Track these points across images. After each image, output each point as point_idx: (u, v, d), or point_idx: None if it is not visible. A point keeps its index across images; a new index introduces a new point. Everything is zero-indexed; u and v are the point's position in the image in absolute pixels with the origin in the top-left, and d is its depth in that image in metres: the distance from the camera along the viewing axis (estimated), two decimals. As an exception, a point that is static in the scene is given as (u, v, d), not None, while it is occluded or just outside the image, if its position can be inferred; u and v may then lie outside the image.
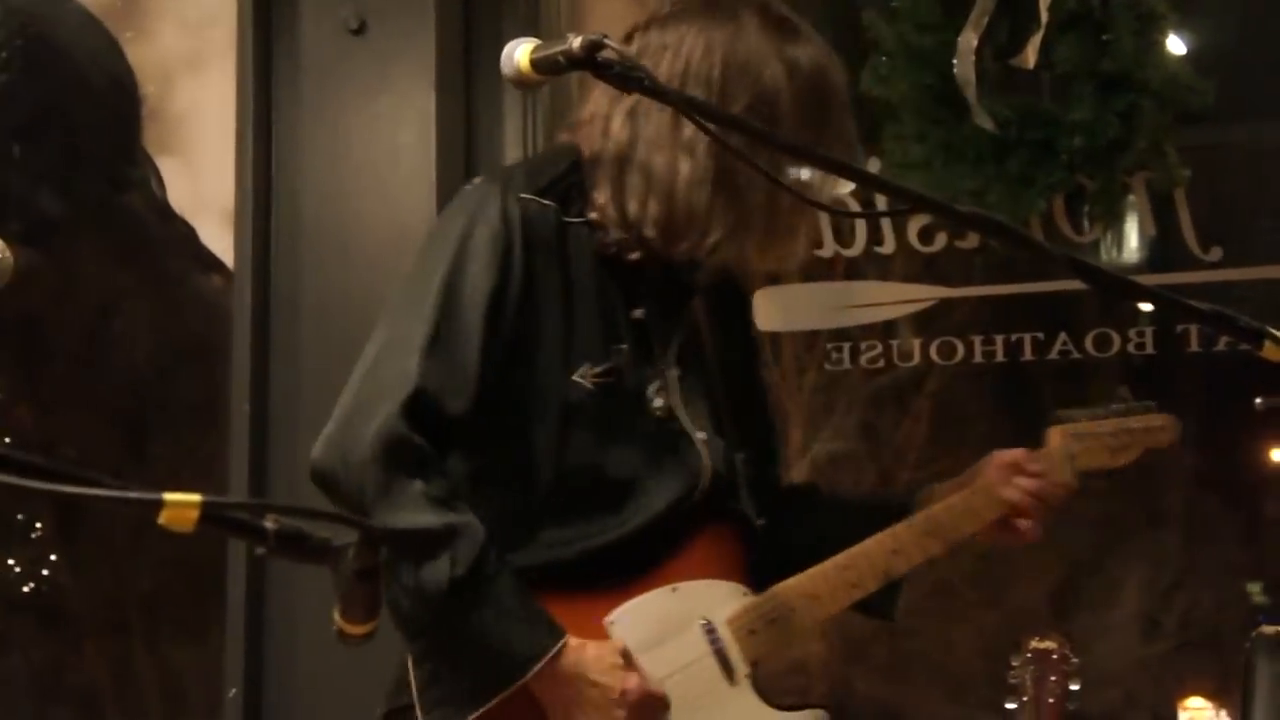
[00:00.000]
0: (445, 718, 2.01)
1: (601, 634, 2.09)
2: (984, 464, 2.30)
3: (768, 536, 2.27)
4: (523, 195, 2.12)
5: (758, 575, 2.22)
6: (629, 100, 2.10)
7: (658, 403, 2.16)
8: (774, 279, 3.66)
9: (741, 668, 2.16)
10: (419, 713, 2.03)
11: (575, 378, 2.11)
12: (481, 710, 1.99)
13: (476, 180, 2.22)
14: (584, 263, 2.14)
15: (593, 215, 2.14)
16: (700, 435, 2.18)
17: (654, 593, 2.14)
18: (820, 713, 2.20)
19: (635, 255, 2.14)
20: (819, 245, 3.79)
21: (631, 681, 2.05)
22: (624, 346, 2.14)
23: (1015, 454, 2.29)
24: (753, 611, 2.17)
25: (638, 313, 2.16)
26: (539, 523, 2.10)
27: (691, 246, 2.13)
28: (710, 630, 2.15)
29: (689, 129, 2.05)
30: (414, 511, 1.99)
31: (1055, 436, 2.33)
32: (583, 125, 2.21)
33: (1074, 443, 2.32)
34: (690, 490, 2.15)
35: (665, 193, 2.11)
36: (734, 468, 2.24)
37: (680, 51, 2.13)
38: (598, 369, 2.12)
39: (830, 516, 2.35)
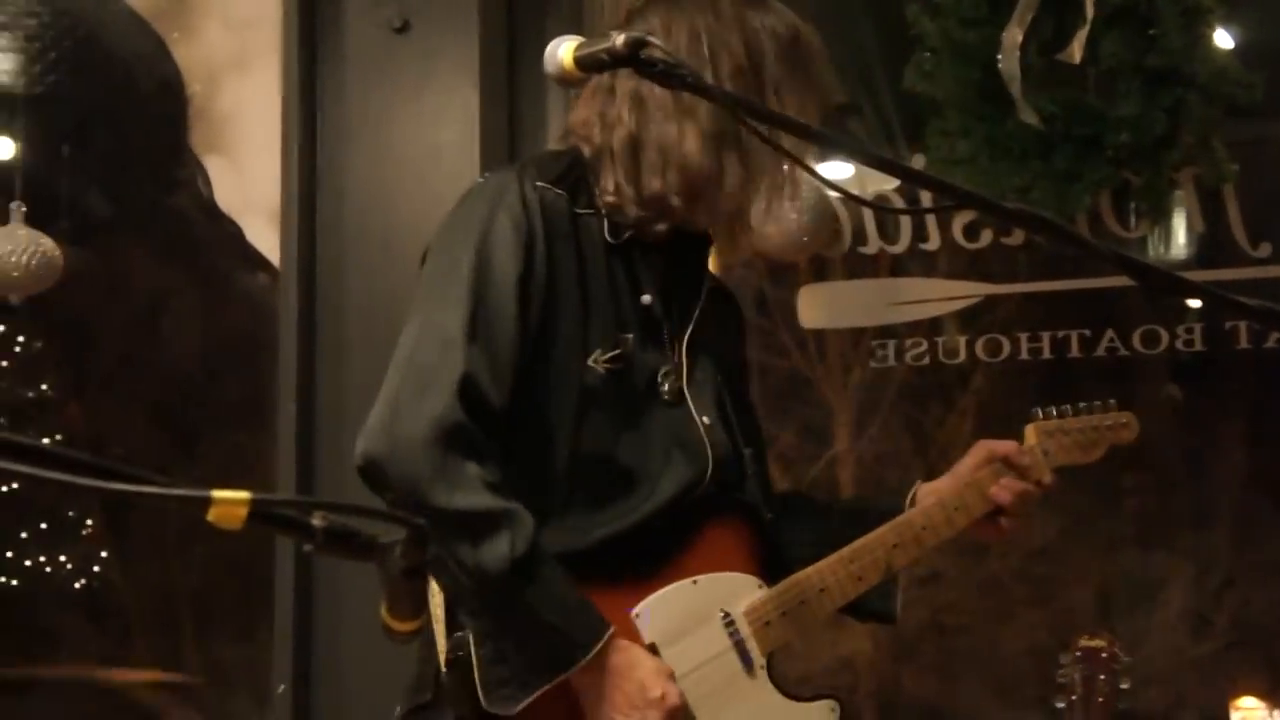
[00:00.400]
0: (509, 698, 2.03)
1: (627, 625, 2.12)
2: (972, 455, 2.36)
3: (771, 534, 2.30)
4: (539, 183, 2.16)
5: (768, 569, 2.26)
6: (626, 88, 2.17)
7: (666, 387, 2.21)
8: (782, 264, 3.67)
9: (759, 659, 2.21)
10: (480, 693, 2.03)
11: (589, 362, 2.14)
12: (543, 690, 2.02)
13: (488, 174, 2.27)
14: (595, 251, 2.18)
15: (609, 199, 2.18)
16: (705, 420, 2.22)
17: (676, 585, 2.17)
18: (831, 702, 2.25)
19: (660, 230, 2.19)
20: (860, 238, 3.79)
21: (673, 690, 2.08)
22: (631, 335, 2.18)
23: (1004, 447, 2.35)
24: (768, 604, 2.22)
25: (646, 299, 2.20)
26: (554, 509, 2.12)
27: (710, 206, 2.21)
28: (730, 622, 2.20)
29: (687, 98, 2.12)
30: (472, 493, 2.01)
31: (1031, 434, 2.41)
32: (574, 132, 2.26)
33: (1048, 439, 2.41)
34: (699, 475, 2.19)
35: (680, 160, 2.16)
36: (741, 460, 2.29)
37: (670, 38, 2.17)
38: (609, 354, 2.16)
39: (824, 520, 2.40)
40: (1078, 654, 2.57)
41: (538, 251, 2.12)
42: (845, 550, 2.27)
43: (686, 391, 2.22)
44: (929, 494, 2.35)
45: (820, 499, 2.57)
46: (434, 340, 2.08)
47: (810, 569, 2.25)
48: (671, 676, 2.09)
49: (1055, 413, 2.43)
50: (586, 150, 2.23)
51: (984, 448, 2.36)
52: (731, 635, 2.19)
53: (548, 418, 2.13)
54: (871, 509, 2.36)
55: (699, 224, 2.25)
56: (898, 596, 2.37)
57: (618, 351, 2.16)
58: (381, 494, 2.06)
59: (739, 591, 2.22)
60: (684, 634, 2.15)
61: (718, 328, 2.34)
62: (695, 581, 2.18)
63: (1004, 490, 2.33)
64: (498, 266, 2.10)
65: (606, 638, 2.04)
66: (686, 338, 2.25)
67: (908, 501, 2.35)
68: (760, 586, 2.23)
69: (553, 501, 2.12)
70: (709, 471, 2.20)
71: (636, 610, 2.13)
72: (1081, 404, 2.46)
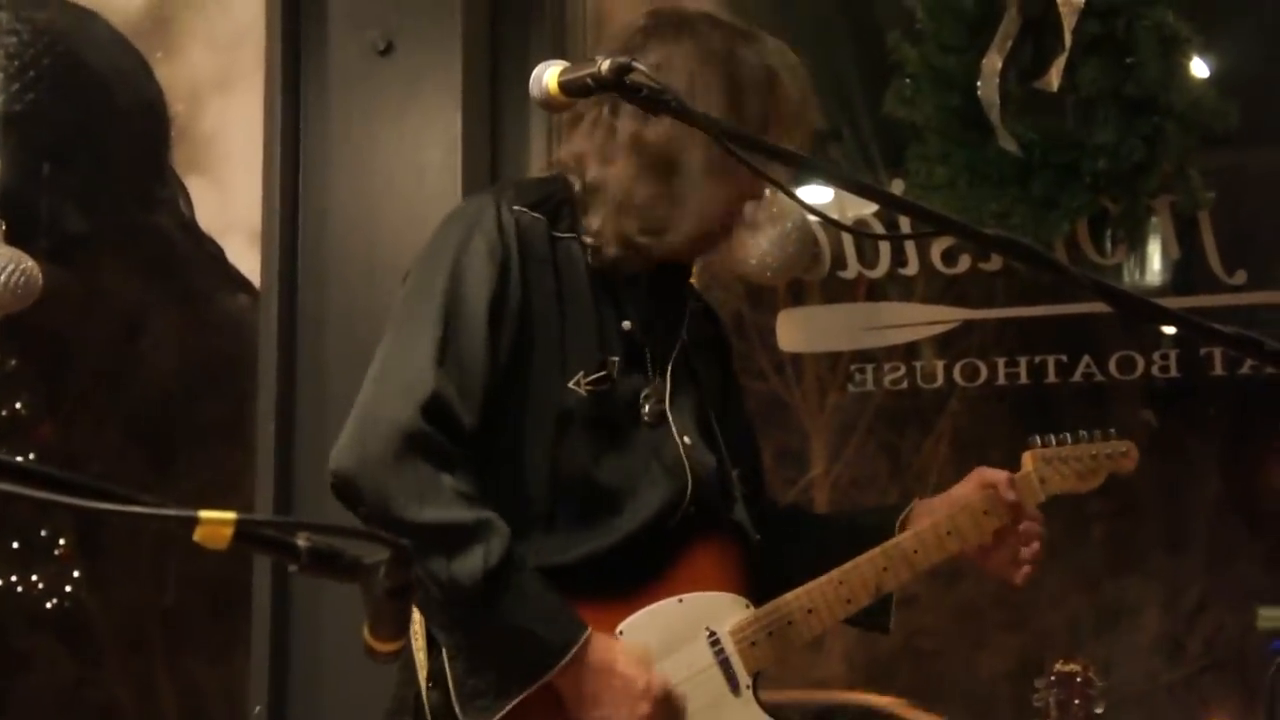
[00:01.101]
0: (485, 708, 2.04)
1: (609, 636, 2.12)
2: (968, 480, 2.37)
3: (762, 554, 2.32)
4: (515, 207, 2.18)
5: (756, 589, 2.27)
6: (628, 130, 2.18)
7: (647, 409, 2.22)
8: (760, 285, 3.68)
9: (744, 678, 2.22)
10: (456, 706, 2.04)
11: (570, 385, 2.15)
12: (519, 698, 2.03)
13: (468, 198, 2.28)
14: (575, 274, 2.20)
15: (591, 237, 2.20)
16: (686, 440, 2.23)
17: (662, 603, 2.19)
18: None
19: (636, 268, 2.21)
20: (839, 262, 3.81)
21: (655, 676, 2.10)
22: (616, 358, 2.19)
23: (997, 475, 2.36)
24: (754, 624, 2.23)
25: (626, 324, 2.22)
26: (535, 530, 2.13)
27: (696, 246, 2.25)
28: (715, 641, 2.21)
29: (685, 146, 2.15)
30: (443, 505, 2.03)
31: (1028, 460, 2.42)
32: (565, 164, 2.28)
33: (1044, 466, 2.41)
34: (679, 495, 2.20)
35: (674, 211, 2.19)
36: (728, 480, 2.30)
37: (673, 71, 2.18)
38: (592, 376, 2.17)
39: (817, 537, 2.41)
40: (1052, 678, 2.58)
41: (512, 275, 2.14)
42: (836, 572, 2.27)
43: (669, 413, 2.23)
44: (923, 514, 2.36)
45: (815, 516, 2.60)
46: (404, 360, 2.10)
47: (799, 590, 2.26)
48: (651, 665, 2.10)
49: (1054, 440, 2.43)
50: (575, 183, 2.24)
51: (978, 474, 2.37)
52: (717, 654, 2.20)
53: (525, 439, 2.15)
54: (866, 528, 2.36)
55: (681, 258, 2.28)
56: (891, 611, 2.38)
57: (602, 374, 2.18)
58: (354, 509, 2.07)
59: (725, 611, 2.23)
60: (668, 652, 2.16)
61: (703, 349, 2.36)
62: (681, 600, 2.20)
63: (995, 518, 2.34)
64: (470, 289, 2.12)
65: (584, 639, 2.05)
66: (669, 363, 2.26)
67: (901, 519, 2.36)
68: (747, 606, 2.24)
69: (533, 521, 2.13)
70: (689, 491, 2.21)
71: (621, 627, 2.15)
72: (1081, 432, 2.46)
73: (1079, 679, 2.59)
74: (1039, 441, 2.43)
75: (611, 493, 2.17)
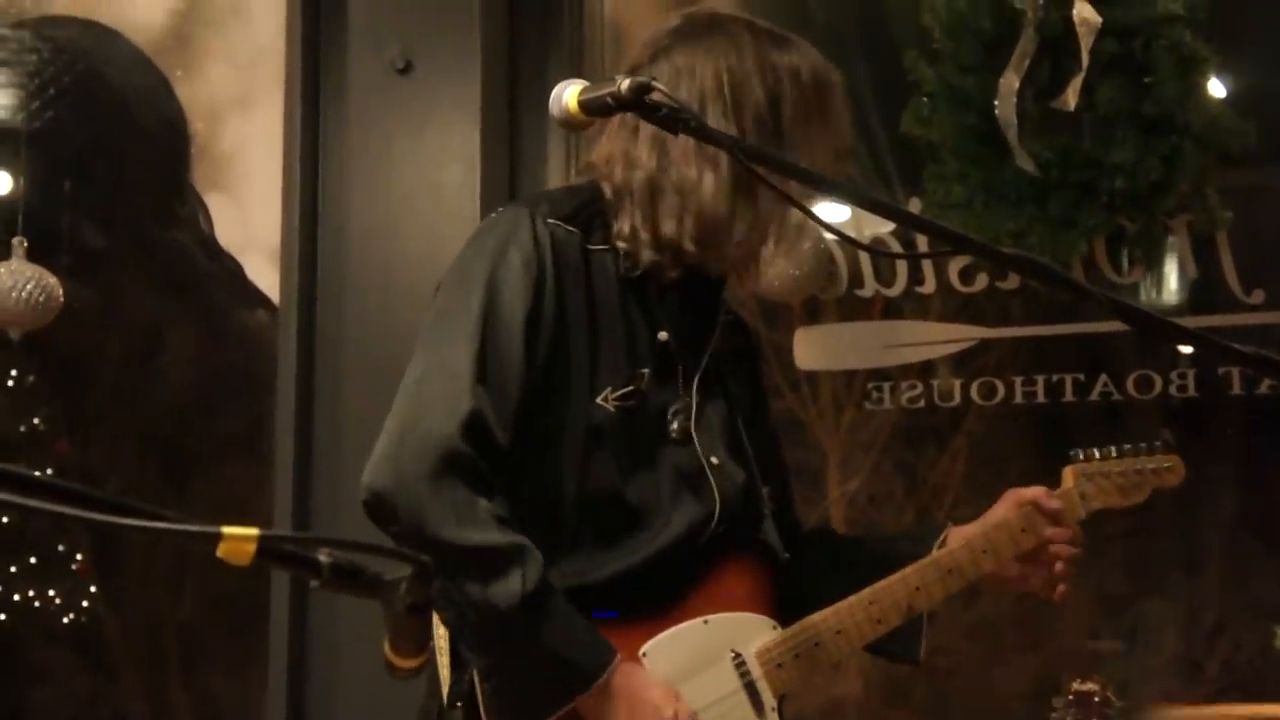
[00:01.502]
0: None
1: (636, 663, 2.11)
2: (1003, 501, 2.35)
3: (791, 573, 2.30)
4: (550, 220, 2.16)
5: (783, 610, 2.25)
6: (650, 129, 2.15)
7: (675, 426, 2.19)
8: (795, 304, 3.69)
9: (769, 701, 2.19)
10: None
11: (598, 400, 2.14)
12: None
13: (501, 208, 2.27)
14: (608, 287, 2.18)
15: (620, 244, 2.19)
16: (713, 460, 2.21)
17: (687, 624, 2.16)
18: None
19: (672, 274, 2.19)
20: (856, 280, 3.81)
21: (683, 706, 2.07)
22: (646, 370, 2.17)
23: (1034, 491, 2.33)
24: (781, 645, 2.21)
25: (662, 335, 2.20)
26: (561, 546, 2.11)
27: (720, 254, 2.21)
28: (740, 663, 2.18)
29: (710, 146, 2.11)
30: (482, 529, 2.01)
31: (1069, 475, 2.39)
32: (597, 167, 2.26)
33: (1085, 482, 2.37)
34: (704, 517, 2.18)
35: (697, 206, 2.16)
36: (757, 499, 2.27)
37: (694, 76, 2.18)
38: (620, 391, 2.15)
39: (848, 558, 2.38)
40: (1070, 698, 2.58)
41: (547, 289, 2.12)
42: (866, 592, 2.24)
43: (694, 432, 2.21)
44: (959, 537, 2.33)
45: (848, 537, 2.55)
46: (441, 376, 2.08)
47: (828, 610, 2.23)
48: (679, 697, 2.08)
49: (1097, 454, 2.39)
50: (606, 188, 2.22)
51: (1013, 493, 2.34)
52: (742, 676, 2.17)
53: (554, 455, 2.12)
54: (899, 551, 2.33)
55: (710, 269, 2.25)
56: (923, 640, 2.33)
57: (631, 388, 2.15)
58: (386, 528, 2.05)
59: (751, 632, 2.20)
60: (693, 674, 2.14)
61: (733, 364, 2.34)
62: (706, 621, 2.17)
63: (1032, 536, 2.30)
64: (506, 304, 2.10)
65: (614, 664, 2.03)
66: (697, 377, 2.24)
67: (938, 544, 2.32)
68: (774, 627, 2.22)
69: (560, 538, 2.11)
70: (716, 512, 2.19)
71: (645, 648, 2.13)
72: (1126, 445, 2.41)
73: (1096, 698, 2.59)
74: (1080, 456, 2.38)
75: (638, 511, 2.15)
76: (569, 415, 2.13)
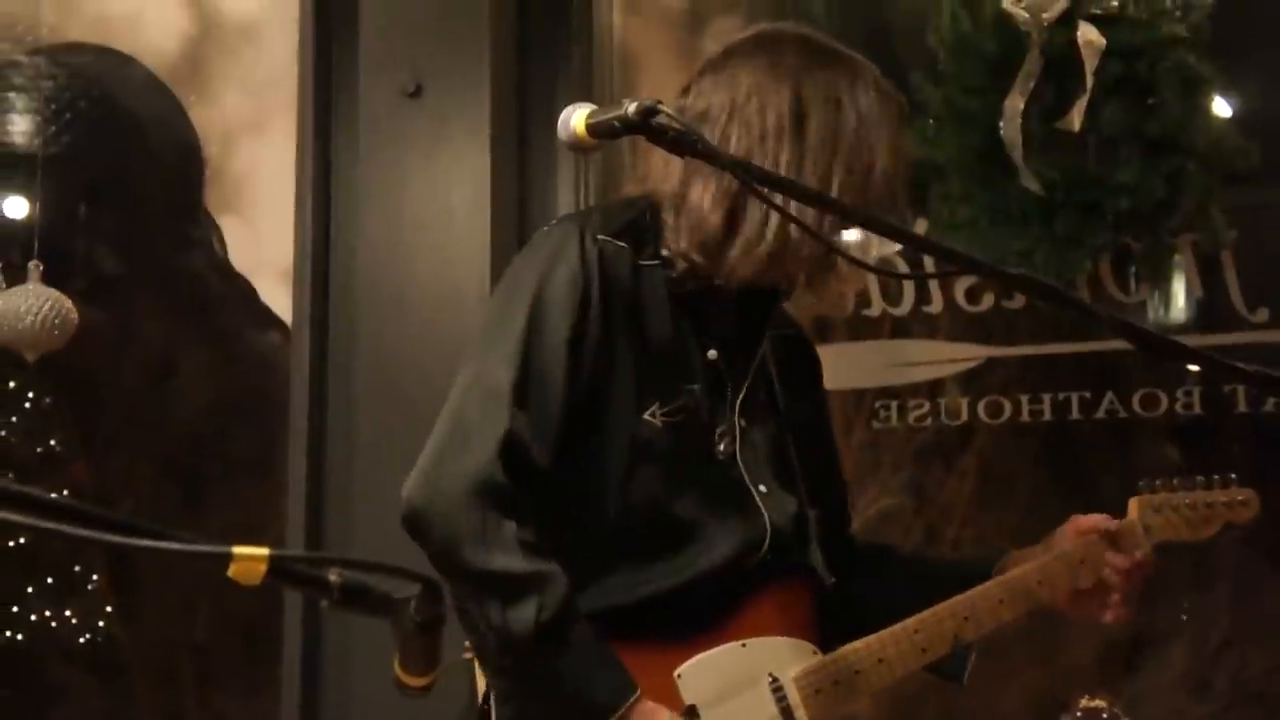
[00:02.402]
0: None
1: (670, 686, 2.09)
2: (1063, 530, 2.29)
3: (839, 596, 2.26)
4: (600, 236, 2.14)
5: (827, 634, 2.21)
6: None
7: (722, 448, 2.17)
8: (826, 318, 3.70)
9: None
10: None
11: (645, 416, 2.12)
12: None
13: (554, 222, 2.25)
14: (658, 303, 2.16)
15: (665, 253, 2.16)
16: (761, 488, 2.18)
17: (724, 647, 2.13)
18: None
19: (720, 290, 2.16)
20: (863, 300, 3.83)
21: None
22: (696, 387, 2.15)
23: (1094, 520, 2.27)
24: (820, 671, 2.16)
25: (712, 353, 2.18)
26: (602, 564, 2.10)
27: (778, 263, 2.15)
28: (778, 688, 2.14)
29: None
30: (507, 554, 2.00)
31: (1134, 507, 2.30)
32: (650, 178, 2.23)
33: (1151, 514, 2.29)
34: (752, 546, 2.15)
35: (697, 220, 2.14)
36: (805, 523, 2.23)
37: (726, 91, 2.17)
38: (668, 407, 2.13)
39: (905, 580, 2.34)
40: (1079, 714, 2.58)
41: (593, 308, 2.10)
42: (912, 620, 2.19)
43: (740, 457, 2.18)
44: (1017, 563, 2.26)
45: (904, 556, 2.47)
46: (482, 395, 2.07)
47: (872, 637, 2.18)
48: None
49: (1165, 484, 2.30)
50: (657, 198, 2.20)
51: (1074, 522, 2.27)
52: (779, 701, 2.13)
53: (598, 472, 2.11)
54: (957, 573, 2.27)
55: (764, 280, 2.19)
56: (969, 661, 2.25)
57: (680, 403, 2.13)
58: (423, 544, 2.05)
59: (790, 657, 2.16)
60: (728, 697, 2.10)
61: (791, 378, 2.30)
62: (744, 644, 2.14)
63: (1092, 567, 2.23)
64: (550, 324, 2.09)
65: (632, 701, 2.01)
66: (744, 399, 2.20)
67: (996, 571, 2.26)
68: (815, 653, 2.18)
69: (601, 556, 2.10)
70: (767, 540, 2.16)
71: (680, 670, 2.10)
72: (1198, 477, 2.32)
73: (1105, 715, 2.58)
74: (1147, 487, 2.30)
75: (681, 530, 2.12)
76: (614, 431, 2.11)
